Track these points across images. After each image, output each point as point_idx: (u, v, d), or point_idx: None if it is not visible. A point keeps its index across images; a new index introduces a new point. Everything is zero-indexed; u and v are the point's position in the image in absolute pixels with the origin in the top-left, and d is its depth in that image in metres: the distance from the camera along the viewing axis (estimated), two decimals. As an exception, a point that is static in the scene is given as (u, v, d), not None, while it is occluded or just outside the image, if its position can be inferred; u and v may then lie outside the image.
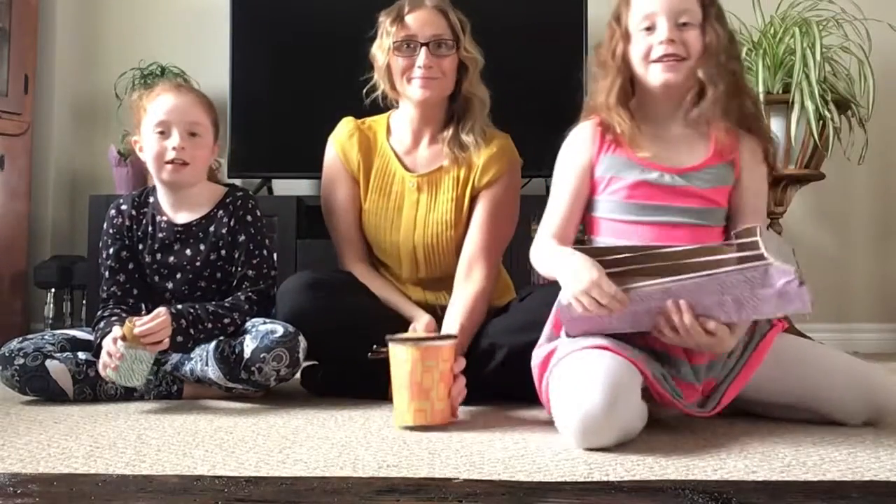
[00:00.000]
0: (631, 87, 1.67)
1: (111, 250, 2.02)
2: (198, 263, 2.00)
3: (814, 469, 1.28)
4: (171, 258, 2.00)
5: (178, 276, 2.00)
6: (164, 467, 1.28)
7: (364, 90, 2.05)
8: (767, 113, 2.79)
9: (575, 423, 1.39)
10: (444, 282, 2.01)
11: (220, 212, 2.01)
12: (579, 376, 1.44)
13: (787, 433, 1.54)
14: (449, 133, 1.99)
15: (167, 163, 1.94)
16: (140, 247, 2.02)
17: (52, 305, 3.16)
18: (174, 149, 1.93)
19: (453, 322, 1.87)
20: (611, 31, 1.67)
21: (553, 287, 1.59)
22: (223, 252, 2.00)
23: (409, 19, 1.94)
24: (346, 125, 2.08)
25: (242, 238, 2.00)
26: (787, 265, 1.43)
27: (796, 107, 2.75)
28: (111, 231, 2.03)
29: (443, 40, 1.93)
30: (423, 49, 1.92)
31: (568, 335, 1.56)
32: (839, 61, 2.99)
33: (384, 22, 1.97)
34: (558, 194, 1.68)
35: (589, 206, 1.67)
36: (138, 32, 3.43)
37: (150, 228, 2.02)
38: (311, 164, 3.13)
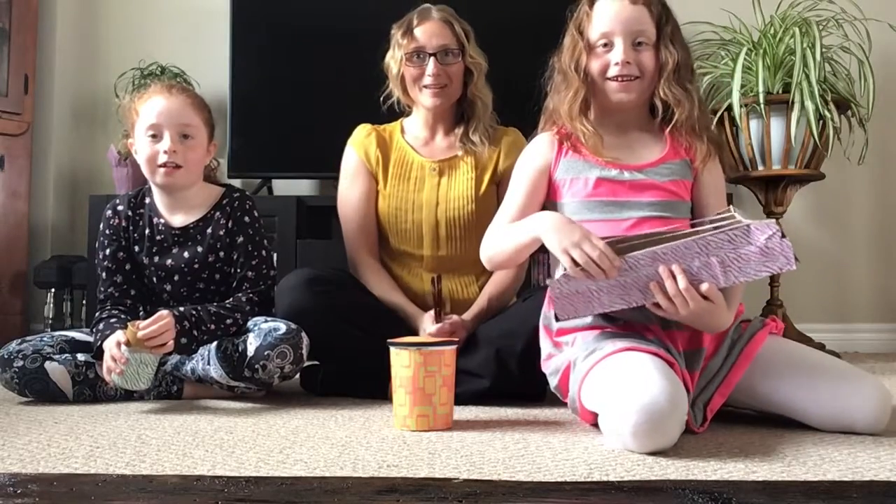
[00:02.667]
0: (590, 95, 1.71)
1: (108, 251, 2.01)
2: (196, 265, 1.99)
3: (814, 469, 1.28)
4: (169, 261, 2.00)
5: (177, 277, 2.00)
6: (164, 467, 1.28)
7: (381, 97, 2.16)
8: (767, 113, 2.80)
9: (638, 421, 1.32)
10: (460, 267, 2.06)
11: (217, 213, 2.01)
12: (631, 376, 1.39)
13: (787, 433, 1.54)
14: (460, 131, 2.12)
15: (160, 166, 1.94)
16: (137, 248, 2.02)
17: (51, 305, 3.16)
18: (165, 152, 1.92)
19: (486, 293, 2.03)
20: (573, 42, 1.71)
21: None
22: (221, 254, 2.00)
23: (418, 31, 2.06)
24: (363, 128, 2.19)
25: (241, 240, 2.00)
26: (767, 223, 1.46)
27: (796, 107, 2.74)
28: (107, 232, 2.02)
29: (449, 49, 2.06)
30: (432, 59, 2.04)
31: (558, 319, 1.56)
32: (839, 61, 2.98)
33: (395, 34, 2.10)
34: (515, 190, 1.72)
35: (554, 210, 1.68)
36: (138, 32, 3.43)
37: (147, 231, 2.01)
38: (311, 164, 3.17)
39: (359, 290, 2.03)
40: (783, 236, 1.45)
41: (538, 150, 1.73)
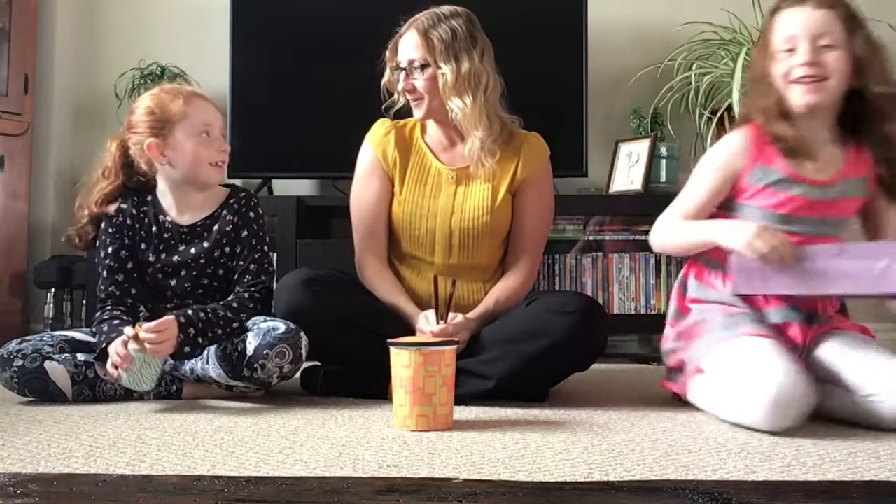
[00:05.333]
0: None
1: (110, 249, 2.01)
2: (202, 261, 2.00)
3: (814, 469, 1.28)
4: (176, 257, 2.01)
5: (183, 273, 2.01)
6: (164, 467, 1.28)
7: (383, 106, 2.15)
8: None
9: (767, 400, 1.49)
10: (468, 274, 2.04)
11: (225, 211, 2.03)
12: (754, 358, 1.56)
13: (787, 433, 1.54)
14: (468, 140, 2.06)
15: (212, 164, 1.98)
16: (143, 246, 2.02)
17: (52, 305, 3.16)
18: (224, 150, 2.00)
19: (493, 295, 2.01)
20: (759, 56, 1.77)
21: (559, 294, 1.65)
22: (226, 249, 2.02)
23: (399, 44, 2.05)
24: (383, 125, 2.14)
25: (245, 233, 2.02)
26: None
27: (797, 107, 2.74)
28: (110, 230, 2.02)
29: (414, 64, 2.01)
30: (402, 74, 2.04)
31: (734, 292, 1.68)
32: (839, 61, 2.98)
33: (391, 46, 2.08)
34: (698, 185, 1.79)
35: (729, 206, 1.78)
36: (138, 32, 3.42)
37: (154, 228, 2.01)
38: (311, 164, 3.18)
39: (358, 290, 2.03)
40: None
41: (732, 151, 1.76)
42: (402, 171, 2.09)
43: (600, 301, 2.86)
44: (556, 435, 1.53)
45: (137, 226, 2.02)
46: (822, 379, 1.65)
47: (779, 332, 1.70)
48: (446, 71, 1.99)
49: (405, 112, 2.13)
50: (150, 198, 2.04)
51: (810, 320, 1.74)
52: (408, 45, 2.02)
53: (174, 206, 2.03)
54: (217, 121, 2.01)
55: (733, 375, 1.60)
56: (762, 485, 1.19)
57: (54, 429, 1.60)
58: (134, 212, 2.02)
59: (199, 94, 2.03)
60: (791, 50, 1.69)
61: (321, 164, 3.15)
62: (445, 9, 2.05)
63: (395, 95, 2.11)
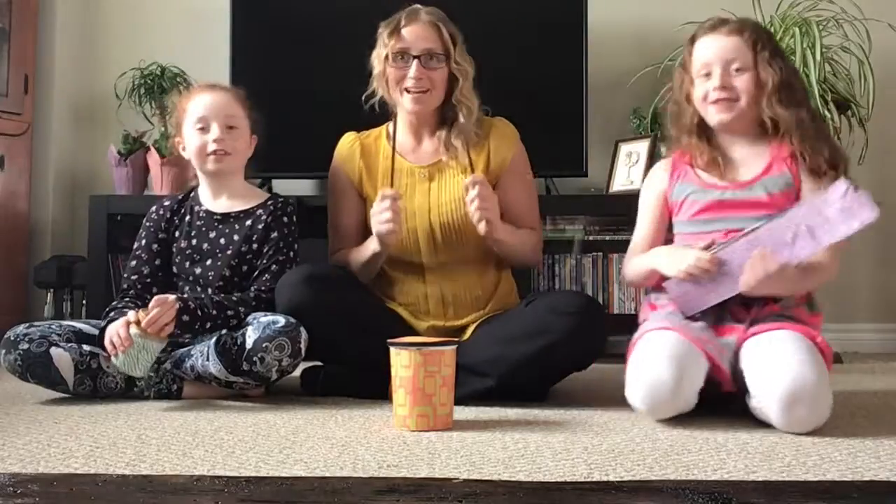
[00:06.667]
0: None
1: (143, 241, 2.11)
2: (229, 251, 2.06)
3: (814, 469, 1.28)
4: (206, 244, 2.08)
5: (209, 262, 2.06)
6: (164, 467, 1.29)
7: (363, 96, 2.12)
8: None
9: (643, 396, 1.62)
10: (461, 271, 2.04)
11: (260, 210, 2.10)
12: (647, 354, 1.66)
13: (786, 433, 1.55)
14: (442, 134, 2.08)
15: (209, 154, 2.05)
16: (176, 234, 2.10)
17: (51, 306, 3.16)
18: (215, 141, 2.04)
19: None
20: (680, 78, 1.93)
21: (559, 294, 1.68)
22: (254, 246, 2.06)
23: (405, 32, 2.03)
24: (347, 139, 2.17)
25: (275, 235, 2.07)
26: (840, 181, 1.65)
27: (796, 107, 2.74)
28: (148, 224, 2.13)
29: (434, 53, 2.02)
30: (415, 62, 2.01)
31: (685, 316, 1.75)
32: (839, 61, 2.98)
33: (382, 33, 2.07)
34: (641, 218, 1.96)
35: (671, 228, 1.91)
36: (138, 32, 3.42)
37: (188, 217, 2.12)
38: (311, 164, 3.16)
39: (359, 289, 2.03)
40: (857, 188, 1.62)
41: (656, 178, 1.95)
42: (371, 181, 2.09)
43: (600, 301, 2.86)
44: (556, 435, 1.53)
45: (175, 218, 2.13)
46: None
47: (717, 333, 1.74)
48: (464, 63, 2.04)
49: (382, 104, 2.12)
50: (193, 194, 2.16)
51: (740, 320, 1.75)
52: (424, 34, 2.02)
53: (209, 195, 2.13)
54: (213, 112, 2.06)
55: (630, 363, 1.71)
56: (762, 485, 1.19)
57: (54, 429, 1.60)
58: (175, 207, 2.14)
59: (202, 88, 2.15)
60: (708, 74, 1.84)
61: (321, 164, 3.11)
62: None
63: (375, 85, 2.09)
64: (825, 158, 1.80)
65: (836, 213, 1.63)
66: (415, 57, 2.01)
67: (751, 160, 1.85)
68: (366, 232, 2.05)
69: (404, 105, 2.06)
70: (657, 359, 1.63)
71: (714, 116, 1.84)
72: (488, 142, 2.07)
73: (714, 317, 1.75)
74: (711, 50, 1.85)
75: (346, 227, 2.13)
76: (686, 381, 1.61)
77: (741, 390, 1.67)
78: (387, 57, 2.04)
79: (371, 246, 2.00)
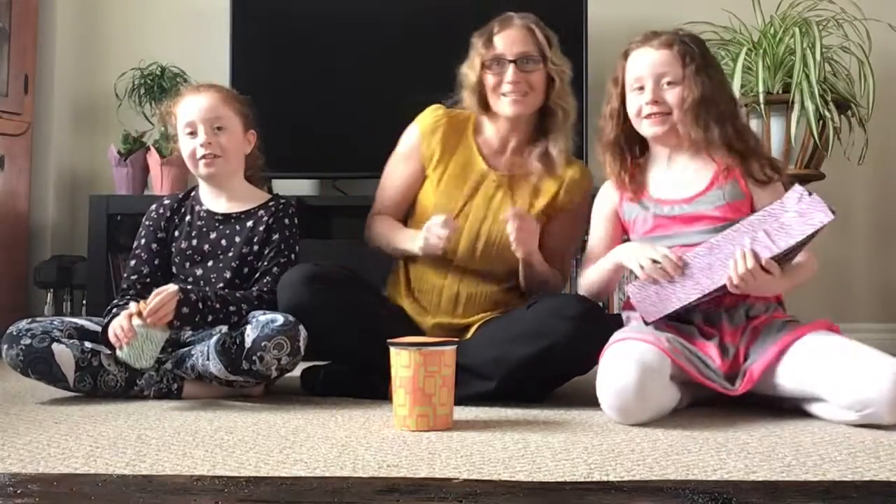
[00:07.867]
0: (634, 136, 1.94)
1: (143, 241, 2.10)
2: (230, 253, 2.05)
3: (814, 469, 1.28)
4: (206, 245, 2.07)
5: (210, 263, 2.06)
6: (164, 467, 1.29)
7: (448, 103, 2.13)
8: (767, 113, 2.79)
9: (611, 403, 1.63)
10: (485, 277, 2.04)
11: (262, 212, 2.09)
12: (614, 363, 1.66)
13: (787, 433, 1.55)
14: (539, 148, 2.06)
15: (199, 159, 2.04)
16: (177, 234, 2.10)
17: (51, 305, 3.16)
18: (202, 146, 2.03)
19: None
20: (609, 93, 1.94)
21: (560, 297, 1.89)
22: (255, 247, 2.06)
23: (498, 38, 2.03)
24: (434, 113, 2.12)
25: (276, 237, 2.06)
26: (794, 189, 1.69)
27: (796, 107, 2.74)
28: (148, 223, 2.12)
29: (529, 56, 2.01)
30: (511, 66, 2.00)
31: (647, 323, 1.75)
32: (839, 61, 2.98)
33: (476, 43, 2.06)
34: (592, 236, 2.00)
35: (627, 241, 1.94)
36: (138, 32, 3.42)
37: (188, 217, 2.11)
38: (311, 164, 3.18)
39: (360, 289, 2.02)
40: (810, 193, 1.66)
41: (607, 197, 1.98)
42: (444, 162, 2.08)
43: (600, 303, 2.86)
44: (556, 435, 1.53)
45: (175, 217, 2.12)
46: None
47: (707, 336, 1.77)
48: (564, 67, 2.04)
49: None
50: (194, 194, 2.15)
51: (732, 318, 1.78)
52: (519, 38, 2.02)
53: (209, 196, 2.12)
54: (199, 115, 2.04)
55: (600, 368, 1.71)
56: (762, 485, 1.19)
57: (54, 429, 1.60)
58: (175, 206, 2.13)
59: (189, 90, 2.14)
60: (641, 88, 1.86)
61: (321, 164, 3.15)
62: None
63: (464, 93, 2.07)
64: (759, 166, 1.84)
65: (793, 217, 1.67)
66: (510, 61, 2.00)
67: (695, 174, 1.87)
68: (408, 204, 2.10)
69: (502, 110, 2.03)
70: (622, 364, 1.64)
71: (648, 130, 1.86)
72: (565, 175, 2.05)
73: (688, 331, 1.77)
74: (643, 64, 1.86)
75: (395, 189, 2.13)
76: (651, 385, 1.62)
77: (773, 397, 1.72)
78: (483, 64, 2.02)
79: (409, 244, 2.01)
